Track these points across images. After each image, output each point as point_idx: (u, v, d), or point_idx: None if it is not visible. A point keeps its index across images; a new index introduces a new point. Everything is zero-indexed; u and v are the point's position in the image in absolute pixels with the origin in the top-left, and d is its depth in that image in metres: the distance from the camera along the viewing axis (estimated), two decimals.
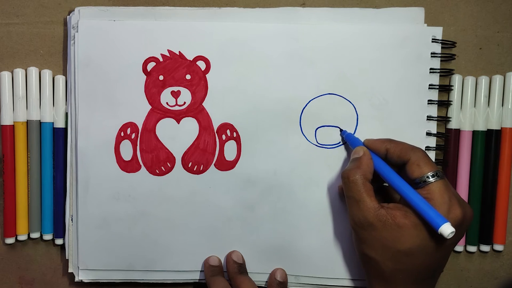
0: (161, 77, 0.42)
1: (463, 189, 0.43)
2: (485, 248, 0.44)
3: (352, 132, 0.42)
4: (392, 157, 0.38)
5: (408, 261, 0.34)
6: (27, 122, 0.43)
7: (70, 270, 0.44)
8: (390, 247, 0.34)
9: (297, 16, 0.42)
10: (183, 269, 0.43)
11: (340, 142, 0.42)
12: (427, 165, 0.35)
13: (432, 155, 0.42)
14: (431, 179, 0.35)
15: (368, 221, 0.35)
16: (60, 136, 0.44)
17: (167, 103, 0.42)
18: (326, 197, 0.42)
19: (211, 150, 0.43)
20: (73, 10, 0.42)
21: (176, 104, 0.42)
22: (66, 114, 0.43)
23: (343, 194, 0.39)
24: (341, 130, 0.42)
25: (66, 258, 0.44)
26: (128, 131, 0.42)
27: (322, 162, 0.42)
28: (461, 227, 0.34)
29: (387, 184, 0.40)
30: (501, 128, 0.43)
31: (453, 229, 0.31)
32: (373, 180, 0.37)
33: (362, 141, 0.40)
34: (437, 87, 0.42)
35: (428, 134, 0.42)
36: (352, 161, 0.38)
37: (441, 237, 0.32)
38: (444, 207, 0.34)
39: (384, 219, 0.34)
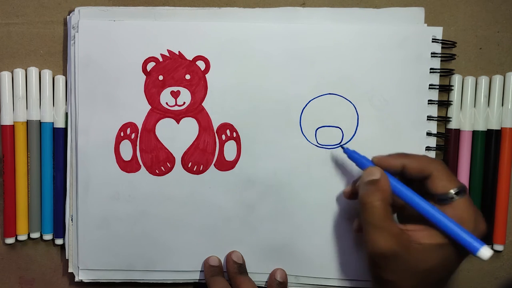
0: (160, 77, 0.42)
1: None
2: None
3: (353, 133, 0.42)
4: (411, 173, 0.35)
5: (427, 277, 0.33)
6: (27, 122, 0.43)
7: (70, 270, 0.44)
8: (412, 268, 0.33)
9: (297, 16, 0.42)
10: (183, 269, 0.43)
11: (340, 142, 0.42)
12: (451, 180, 0.34)
13: (432, 155, 0.42)
14: (457, 196, 0.33)
15: (392, 250, 0.33)
16: (60, 136, 0.44)
17: (166, 103, 0.42)
18: (326, 197, 0.42)
19: (211, 150, 0.43)
20: (73, 10, 0.42)
21: (176, 104, 0.42)
22: (66, 114, 0.43)
23: (349, 199, 0.39)
24: (343, 147, 0.40)
25: (66, 258, 0.44)
26: (128, 131, 0.42)
27: (322, 162, 0.42)
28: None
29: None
30: (501, 128, 0.43)
31: (491, 252, 0.31)
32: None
33: (370, 158, 0.37)
34: (437, 87, 0.42)
35: (428, 134, 0.42)
36: (369, 184, 0.35)
37: (467, 255, 0.32)
38: (471, 224, 0.33)
39: (408, 244, 0.33)
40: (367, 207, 0.34)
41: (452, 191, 0.34)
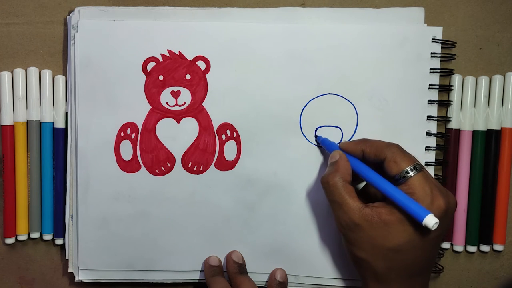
0: (161, 77, 0.42)
1: (463, 189, 0.43)
2: (485, 248, 0.44)
3: (353, 132, 0.42)
4: (369, 157, 0.37)
5: (399, 257, 0.34)
6: (27, 122, 0.43)
7: (70, 270, 0.44)
8: (379, 246, 0.34)
9: (297, 16, 0.42)
10: (183, 269, 0.43)
11: (340, 142, 0.42)
12: (403, 160, 0.35)
13: (432, 155, 0.42)
14: (410, 173, 0.34)
15: (354, 222, 0.35)
16: (60, 136, 0.44)
17: (167, 103, 0.42)
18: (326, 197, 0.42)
19: (211, 150, 0.43)
20: (73, 10, 0.42)
21: (176, 104, 0.42)
22: (66, 114, 0.43)
23: None
24: (316, 136, 0.42)
25: (66, 258, 0.44)
26: (128, 131, 0.42)
27: (322, 162, 0.42)
28: (446, 217, 0.34)
29: (368, 184, 0.40)
30: (501, 128, 0.43)
31: (436, 220, 0.31)
32: (354, 182, 0.38)
33: (338, 145, 0.40)
34: (437, 87, 0.42)
35: (428, 134, 0.42)
36: (330, 166, 0.38)
37: (426, 229, 0.32)
38: (427, 199, 0.33)
39: (369, 218, 0.34)
40: (328, 185, 0.37)
41: (406, 170, 0.34)
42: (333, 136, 0.42)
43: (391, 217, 0.34)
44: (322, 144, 0.41)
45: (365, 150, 0.38)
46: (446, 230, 0.37)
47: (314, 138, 0.42)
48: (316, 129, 0.42)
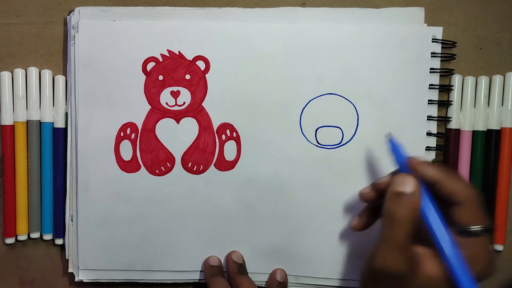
0: (160, 77, 0.42)
1: None
2: None
3: (353, 133, 0.42)
4: (442, 191, 0.32)
5: None
6: (27, 122, 0.43)
7: (70, 270, 0.44)
8: None
9: (297, 16, 0.42)
10: (183, 269, 0.43)
11: (340, 142, 0.42)
12: (480, 215, 0.32)
13: (432, 155, 0.42)
14: (480, 234, 0.31)
15: (401, 272, 0.31)
16: (60, 136, 0.44)
17: (166, 103, 0.42)
18: (326, 197, 0.42)
19: (211, 150, 0.43)
20: (73, 10, 0.42)
21: (176, 104, 0.42)
22: (66, 114, 0.43)
23: (365, 201, 0.37)
24: (390, 139, 0.36)
25: (66, 258, 0.44)
26: (128, 131, 0.42)
27: (322, 162, 0.42)
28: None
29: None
30: (501, 128, 0.43)
31: None
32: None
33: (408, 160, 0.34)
34: (437, 87, 0.42)
35: (428, 134, 0.42)
36: (399, 196, 0.31)
37: None
38: (484, 265, 0.31)
39: (415, 270, 0.31)
40: (392, 222, 0.31)
41: (477, 227, 0.31)
42: (333, 136, 0.42)
43: (439, 273, 0.31)
44: (393, 151, 0.36)
45: (442, 182, 0.32)
46: None
47: (388, 141, 0.36)
48: (316, 129, 0.42)
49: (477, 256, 0.31)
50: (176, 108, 0.42)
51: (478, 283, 0.30)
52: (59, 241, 0.45)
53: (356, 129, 0.42)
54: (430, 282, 0.31)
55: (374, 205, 0.37)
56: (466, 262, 0.30)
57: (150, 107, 0.42)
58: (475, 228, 0.31)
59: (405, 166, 0.34)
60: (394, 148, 0.36)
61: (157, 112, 0.42)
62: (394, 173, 0.36)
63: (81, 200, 0.43)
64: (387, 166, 0.41)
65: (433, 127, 0.42)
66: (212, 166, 0.43)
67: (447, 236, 0.31)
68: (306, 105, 0.42)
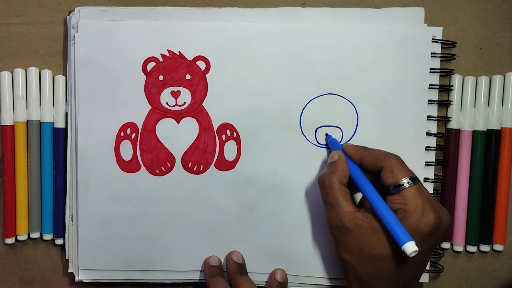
0: (161, 77, 0.42)
1: (463, 189, 0.43)
2: (485, 248, 0.44)
3: (353, 133, 0.42)
4: (367, 165, 0.37)
5: (383, 266, 0.34)
6: (27, 122, 0.43)
7: (70, 270, 0.44)
8: (365, 252, 0.34)
9: (297, 16, 0.42)
10: (183, 269, 0.43)
11: (340, 142, 0.42)
12: (400, 171, 0.35)
13: (432, 155, 0.42)
14: (406, 185, 0.34)
15: (344, 225, 0.35)
16: (60, 136, 0.44)
17: (167, 103, 0.42)
18: None
19: (211, 150, 0.43)
20: (73, 10, 0.42)
21: (176, 104, 0.42)
22: (66, 114, 0.43)
23: None
24: (326, 134, 0.42)
25: (66, 258, 0.44)
26: (128, 131, 0.42)
27: (322, 162, 0.42)
28: (437, 232, 0.34)
29: None
30: (501, 128, 0.43)
31: (416, 248, 0.31)
32: (351, 186, 0.37)
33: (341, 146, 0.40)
34: (437, 87, 0.42)
35: (428, 134, 0.42)
36: (328, 166, 0.38)
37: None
38: (417, 212, 0.33)
39: (359, 223, 0.34)
40: (324, 185, 0.37)
41: (401, 181, 0.34)
42: (333, 136, 0.42)
43: (381, 223, 0.34)
44: (330, 144, 0.41)
45: (363, 157, 0.37)
46: (436, 245, 0.36)
47: (324, 138, 0.42)
48: (316, 129, 0.42)
49: (407, 207, 0.33)
50: (177, 108, 0.42)
51: (425, 234, 0.33)
52: (59, 241, 0.45)
53: (356, 129, 0.42)
54: (375, 234, 0.34)
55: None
56: (401, 216, 0.33)
57: (150, 107, 0.42)
58: (397, 181, 0.34)
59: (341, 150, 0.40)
60: (332, 142, 0.41)
61: (157, 112, 0.42)
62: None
63: (81, 200, 0.43)
64: None
65: (433, 127, 0.42)
66: (212, 166, 0.43)
67: (375, 193, 0.34)
68: (306, 105, 0.42)
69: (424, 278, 0.43)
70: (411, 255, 0.31)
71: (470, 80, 0.43)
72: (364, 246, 0.34)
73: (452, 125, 0.43)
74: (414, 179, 0.35)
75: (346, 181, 0.37)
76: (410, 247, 0.31)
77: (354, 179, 0.37)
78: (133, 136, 0.43)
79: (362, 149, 0.38)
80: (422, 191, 0.34)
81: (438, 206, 0.35)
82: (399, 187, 0.34)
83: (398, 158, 0.36)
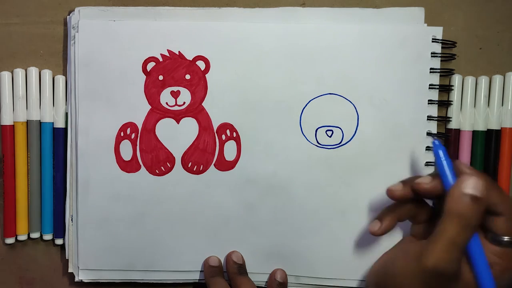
0: (160, 77, 0.42)
1: None
2: None
3: (353, 133, 0.42)
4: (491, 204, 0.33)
5: None
6: (27, 122, 0.43)
7: (70, 270, 0.44)
8: None
9: (297, 16, 0.42)
10: (183, 269, 0.43)
11: (340, 142, 0.42)
12: None
13: (432, 155, 0.42)
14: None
15: (454, 272, 0.31)
16: (60, 136, 0.44)
17: (166, 103, 0.42)
18: (326, 197, 0.42)
19: (211, 150, 0.43)
20: (73, 10, 0.42)
21: (176, 104, 0.42)
22: (66, 114, 0.43)
23: (394, 199, 0.37)
24: (434, 143, 0.36)
25: (66, 258, 0.44)
26: (128, 131, 0.42)
27: (322, 162, 0.42)
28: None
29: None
30: (501, 128, 0.43)
31: None
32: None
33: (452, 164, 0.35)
34: (437, 87, 0.42)
35: (428, 134, 0.42)
36: (472, 199, 0.31)
37: None
38: (509, 273, 0.32)
39: (460, 274, 0.32)
40: (460, 221, 0.31)
41: (510, 239, 0.32)
42: (333, 136, 0.42)
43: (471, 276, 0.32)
44: (438, 164, 0.35)
45: (490, 196, 0.32)
46: None
47: (432, 146, 0.38)
48: (316, 129, 0.42)
49: (506, 266, 0.32)
50: (176, 108, 0.42)
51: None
52: (59, 241, 0.45)
53: (356, 129, 0.42)
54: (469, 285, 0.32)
55: (401, 202, 0.37)
56: (496, 271, 0.32)
57: (150, 107, 0.42)
58: (509, 239, 0.32)
59: (450, 169, 0.34)
60: (441, 164, 0.35)
61: (157, 112, 0.42)
62: (433, 175, 0.36)
63: (81, 200, 0.43)
64: (387, 165, 0.42)
65: (433, 127, 0.42)
66: (212, 166, 0.43)
67: (478, 243, 0.32)
68: (306, 105, 0.42)
69: None
70: None
71: (470, 80, 0.43)
72: None
73: (452, 125, 0.43)
74: None
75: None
76: None
77: (469, 250, 0.33)
78: (133, 136, 0.43)
79: (486, 180, 0.32)
80: None
81: None
82: (509, 244, 0.32)
83: None
